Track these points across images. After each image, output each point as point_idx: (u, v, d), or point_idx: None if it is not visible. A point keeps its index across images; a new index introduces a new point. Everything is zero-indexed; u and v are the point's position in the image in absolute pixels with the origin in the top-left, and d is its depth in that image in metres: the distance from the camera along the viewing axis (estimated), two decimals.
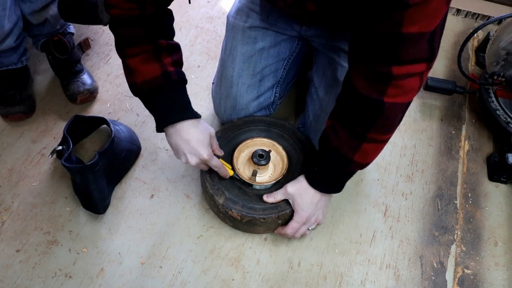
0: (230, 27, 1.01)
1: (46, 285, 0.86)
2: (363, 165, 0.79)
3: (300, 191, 0.84)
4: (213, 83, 1.11)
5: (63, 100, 1.17)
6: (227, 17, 1.03)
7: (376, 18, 0.60)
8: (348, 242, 0.97)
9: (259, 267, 0.92)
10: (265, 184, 0.90)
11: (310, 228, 0.90)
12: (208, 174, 0.89)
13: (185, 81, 0.81)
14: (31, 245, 0.91)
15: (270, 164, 0.94)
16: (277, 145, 0.95)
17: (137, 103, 1.18)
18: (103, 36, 1.36)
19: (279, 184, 0.90)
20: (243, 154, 0.95)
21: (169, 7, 0.79)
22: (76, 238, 0.92)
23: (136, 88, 0.77)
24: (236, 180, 0.90)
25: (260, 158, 0.89)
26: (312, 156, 0.93)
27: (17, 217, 0.95)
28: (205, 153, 0.79)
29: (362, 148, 0.74)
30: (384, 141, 0.76)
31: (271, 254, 0.94)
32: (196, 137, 0.79)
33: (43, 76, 1.23)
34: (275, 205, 0.87)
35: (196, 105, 1.19)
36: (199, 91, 1.24)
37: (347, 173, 0.82)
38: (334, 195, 1.04)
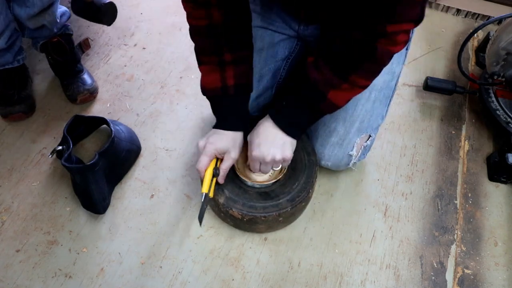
0: None
1: (46, 285, 0.86)
2: (332, 107, 0.80)
3: (257, 128, 0.84)
4: None
5: (63, 100, 1.17)
6: None
7: None
8: (348, 242, 0.97)
9: (259, 267, 0.92)
10: (266, 183, 0.90)
11: (273, 168, 0.88)
12: None
13: (245, 94, 0.87)
14: (31, 245, 0.91)
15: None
16: None
17: (137, 103, 1.19)
18: (103, 36, 1.36)
19: (279, 183, 0.90)
20: (242, 154, 0.95)
21: (245, 11, 0.83)
22: (76, 238, 0.92)
23: (203, 90, 0.86)
24: (236, 179, 0.90)
25: None
26: (281, 93, 0.93)
27: (17, 217, 0.95)
28: (233, 154, 0.85)
29: (341, 88, 0.76)
30: (361, 87, 0.78)
31: (271, 254, 0.94)
32: (224, 144, 0.85)
33: (43, 76, 1.23)
34: (276, 203, 0.87)
35: (196, 105, 1.20)
36: (199, 91, 1.23)
37: (314, 113, 0.82)
38: (333, 195, 1.04)
